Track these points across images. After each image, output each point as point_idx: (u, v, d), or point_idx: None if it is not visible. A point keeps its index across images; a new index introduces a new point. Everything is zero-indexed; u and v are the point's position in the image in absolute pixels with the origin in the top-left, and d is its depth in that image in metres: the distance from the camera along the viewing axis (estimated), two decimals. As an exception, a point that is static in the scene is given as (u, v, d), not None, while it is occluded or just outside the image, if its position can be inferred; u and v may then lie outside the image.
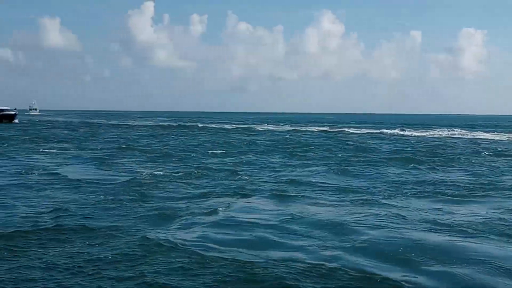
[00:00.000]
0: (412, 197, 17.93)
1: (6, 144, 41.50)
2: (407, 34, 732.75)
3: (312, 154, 36.32)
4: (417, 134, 68.35)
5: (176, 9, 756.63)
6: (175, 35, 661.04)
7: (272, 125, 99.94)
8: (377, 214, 14.50)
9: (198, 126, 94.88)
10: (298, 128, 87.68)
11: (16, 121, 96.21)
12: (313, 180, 22.01)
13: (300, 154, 35.60)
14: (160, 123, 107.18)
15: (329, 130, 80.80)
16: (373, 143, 48.63)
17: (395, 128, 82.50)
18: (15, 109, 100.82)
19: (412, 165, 28.22)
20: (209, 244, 11.49)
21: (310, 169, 26.41)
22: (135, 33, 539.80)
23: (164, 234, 12.24)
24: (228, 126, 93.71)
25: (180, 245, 11.28)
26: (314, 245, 11.54)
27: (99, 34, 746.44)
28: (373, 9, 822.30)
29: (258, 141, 50.38)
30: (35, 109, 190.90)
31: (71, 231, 12.51)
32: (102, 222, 13.64)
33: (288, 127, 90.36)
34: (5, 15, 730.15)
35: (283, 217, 14.27)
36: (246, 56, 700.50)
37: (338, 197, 17.84)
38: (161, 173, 23.87)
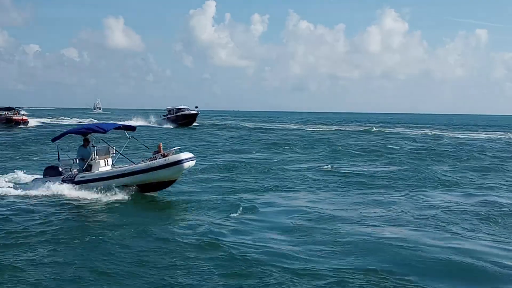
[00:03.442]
0: None
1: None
2: (473, 32, 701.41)
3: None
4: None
5: (237, 9, 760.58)
6: (236, 35, 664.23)
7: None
8: None
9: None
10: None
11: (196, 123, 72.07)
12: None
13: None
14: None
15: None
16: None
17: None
18: (197, 107, 72.33)
19: None
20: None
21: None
22: (197, 32, 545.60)
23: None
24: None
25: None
26: None
27: (161, 33, 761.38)
28: (438, 7, 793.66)
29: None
30: (99, 108, 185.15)
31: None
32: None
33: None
34: (71, 16, 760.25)
35: None
36: (306, 55, 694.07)
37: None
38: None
